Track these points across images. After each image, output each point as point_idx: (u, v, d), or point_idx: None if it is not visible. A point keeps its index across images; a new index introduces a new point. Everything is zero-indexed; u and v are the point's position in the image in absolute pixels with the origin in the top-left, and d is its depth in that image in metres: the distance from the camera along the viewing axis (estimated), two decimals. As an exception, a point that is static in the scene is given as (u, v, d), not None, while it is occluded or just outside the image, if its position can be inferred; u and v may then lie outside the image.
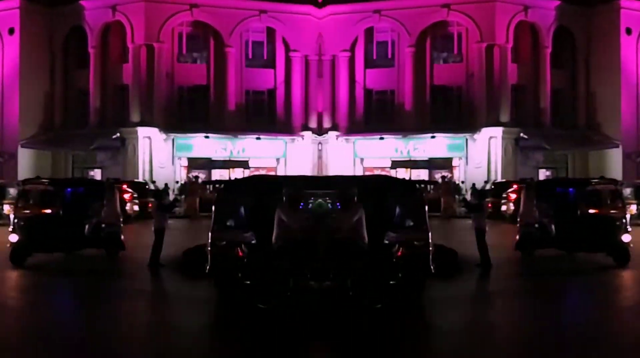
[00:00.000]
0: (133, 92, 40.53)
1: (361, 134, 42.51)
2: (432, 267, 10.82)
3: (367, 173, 42.30)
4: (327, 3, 43.12)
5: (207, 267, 10.80)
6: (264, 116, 43.01)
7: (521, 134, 40.55)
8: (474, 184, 36.91)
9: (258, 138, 41.76)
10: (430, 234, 11.08)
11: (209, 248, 10.79)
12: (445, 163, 42.25)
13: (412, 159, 42.26)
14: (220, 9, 40.95)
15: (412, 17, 41.46)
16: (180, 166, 41.92)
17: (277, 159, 42.98)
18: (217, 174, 41.41)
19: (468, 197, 30.71)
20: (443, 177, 39.87)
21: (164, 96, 40.79)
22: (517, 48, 41.63)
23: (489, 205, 28.91)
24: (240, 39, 42.22)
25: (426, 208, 11.55)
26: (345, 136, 42.73)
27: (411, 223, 11.19)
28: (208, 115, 41.99)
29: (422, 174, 41.69)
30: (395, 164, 42.66)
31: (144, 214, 27.17)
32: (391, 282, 9.93)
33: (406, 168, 42.54)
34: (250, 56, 42.83)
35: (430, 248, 10.91)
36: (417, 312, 10.61)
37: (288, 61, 43.08)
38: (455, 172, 41.94)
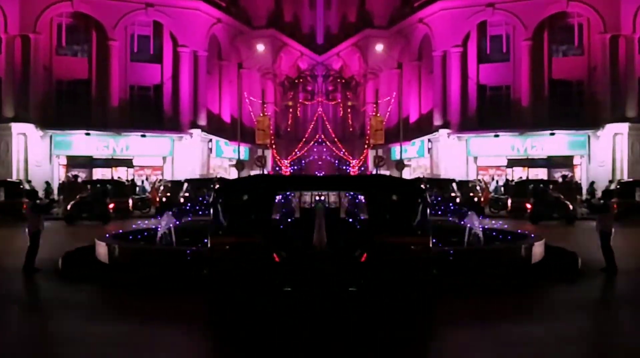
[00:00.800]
0: (6, 86, 38.12)
1: (474, 132, 41.25)
2: (432, 273, 9.97)
3: (481, 172, 41.11)
4: (437, -1, 42.17)
5: (206, 274, 10.17)
6: (150, 112, 41.15)
7: (650, 130, 37.81)
8: (591, 184, 34.83)
9: (143, 136, 39.93)
10: (430, 238, 10.19)
11: (209, 252, 10.10)
12: (566, 162, 40.25)
13: (529, 157, 40.55)
14: (103, 0, 39.19)
15: (528, 9, 39.97)
16: (59, 164, 39.76)
17: (164, 158, 41.48)
18: (99, 174, 39.65)
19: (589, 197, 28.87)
20: (563, 176, 38.00)
21: (41, 90, 38.57)
22: (644, 38, 38.88)
23: (615, 206, 26.98)
24: (125, 33, 40.72)
25: (427, 209, 10.64)
26: (458, 133, 41.59)
27: (410, 226, 10.28)
28: (89, 111, 39.79)
29: (540, 174, 39.95)
30: (512, 163, 41.10)
31: (19, 216, 24.58)
32: (350, 289, 8.99)
33: (523, 166, 40.90)
34: (135, 50, 41.27)
35: (432, 254, 10.09)
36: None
37: (176, 56, 41.84)
38: (577, 171, 39.83)
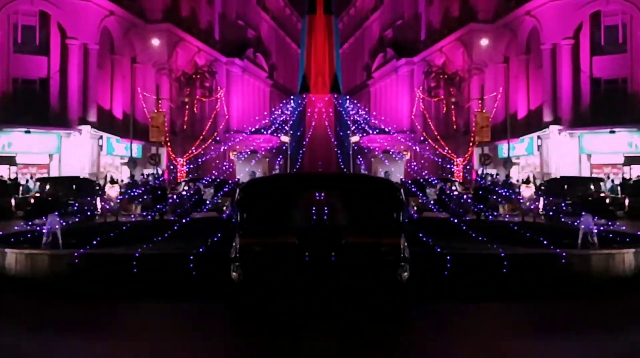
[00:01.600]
0: None
1: (588, 128, 39.31)
2: (403, 276, 9.03)
3: (595, 171, 39.04)
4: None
5: (236, 277, 9.30)
6: (35, 107, 38.59)
7: None
8: None
9: (27, 132, 37.74)
10: (401, 239, 9.32)
11: (238, 256, 9.31)
12: (690, 159, 37.38)
13: (648, 155, 38.00)
14: (-18, -13, 37.06)
15: (647, -3, 37.47)
16: None
17: (50, 156, 39.31)
18: None
19: None
20: (687, 174, 35.18)
21: None
22: None
23: None
24: (8, 22, 38.27)
25: (402, 209, 9.79)
26: (569, 130, 39.75)
27: (381, 227, 9.54)
28: (-31, 105, 37.14)
29: (660, 172, 37.27)
30: (629, 161, 38.78)
31: None
32: None
33: (641, 164, 38.36)
34: (19, 41, 38.96)
35: (403, 255, 9.13)
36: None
37: (64, 49, 39.75)
38: (703, 168, 36.86)
